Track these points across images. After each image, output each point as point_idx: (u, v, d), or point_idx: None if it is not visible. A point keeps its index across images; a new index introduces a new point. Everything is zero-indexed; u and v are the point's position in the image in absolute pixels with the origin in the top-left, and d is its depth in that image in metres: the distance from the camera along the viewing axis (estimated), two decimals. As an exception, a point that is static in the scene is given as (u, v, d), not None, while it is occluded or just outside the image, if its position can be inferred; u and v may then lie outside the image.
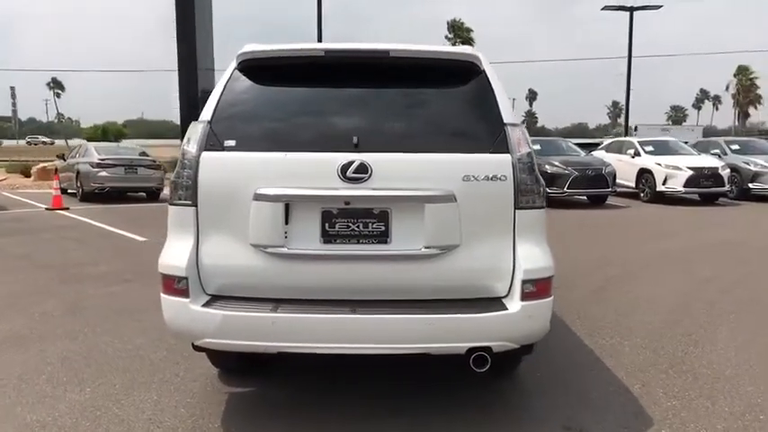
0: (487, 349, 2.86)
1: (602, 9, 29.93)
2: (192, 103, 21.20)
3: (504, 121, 3.02)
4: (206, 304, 2.90)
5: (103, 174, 15.56)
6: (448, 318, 2.82)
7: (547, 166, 14.18)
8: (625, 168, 16.26)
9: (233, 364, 3.79)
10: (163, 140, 64.18)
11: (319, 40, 22.64)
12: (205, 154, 2.96)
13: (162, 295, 2.98)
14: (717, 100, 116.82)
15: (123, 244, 9.37)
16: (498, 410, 3.43)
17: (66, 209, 13.65)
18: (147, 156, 17.37)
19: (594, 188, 14.97)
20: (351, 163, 2.86)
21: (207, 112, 3.07)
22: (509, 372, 3.81)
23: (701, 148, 18.10)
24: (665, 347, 4.44)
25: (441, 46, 3.68)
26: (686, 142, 19.06)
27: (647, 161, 16.18)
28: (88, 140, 31.48)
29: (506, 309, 2.88)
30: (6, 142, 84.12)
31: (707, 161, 15.94)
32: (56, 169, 18.12)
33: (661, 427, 3.20)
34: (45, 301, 5.68)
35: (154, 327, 4.68)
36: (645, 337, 4.66)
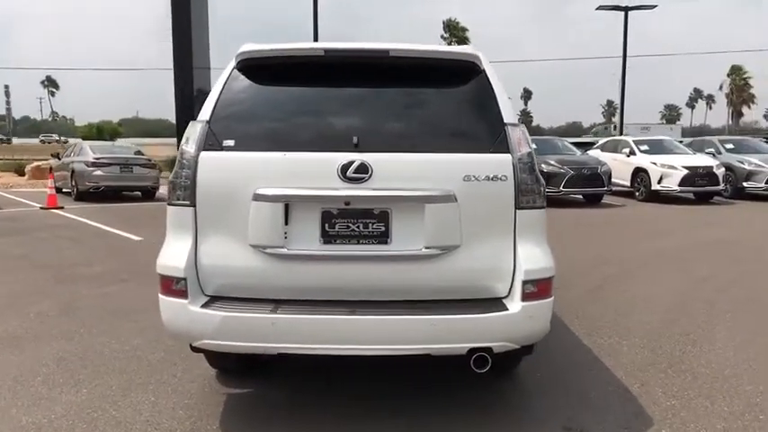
0: (488, 350, 2.85)
1: (597, 9, 29.93)
2: (187, 102, 21.16)
3: (505, 120, 3.00)
4: (205, 305, 2.88)
5: (99, 173, 15.49)
6: (448, 318, 2.81)
7: (543, 165, 14.18)
8: (620, 167, 16.29)
9: (231, 365, 3.77)
10: (158, 139, 63.94)
11: (315, 39, 22.60)
12: (204, 154, 2.94)
13: (160, 296, 2.95)
14: (710, 99, 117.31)
15: (119, 243, 9.33)
16: (498, 411, 3.42)
17: (61, 208, 13.59)
18: (143, 155, 17.31)
19: (590, 187, 14.98)
20: (351, 163, 2.85)
21: (205, 112, 3.04)
22: (509, 372, 3.80)
23: (696, 147, 18.15)
24: (664, 347, 4.44)
25: (441, 46, 3.66)
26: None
27: (642, 160, 16.20)
28: (83, 139, 31.37)
29: (507, 309, 2.87)
30: (15, 140, 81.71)
31: (702, 160, 15.97)
32: (50, 168, 18.04)
33: (661, 427, 3.20)
34: (40, 302, 5.64)
35: (151, 327, 4.65)
36: (643, 337, 4.66)
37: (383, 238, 2.92)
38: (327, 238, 2.92)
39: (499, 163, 2.93)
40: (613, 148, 17.75)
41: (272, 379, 3.83)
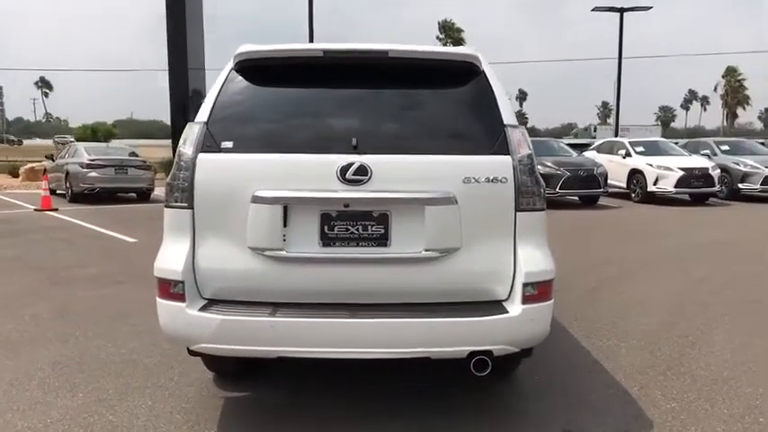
0: (488, 353, 2.84)
1: (593, 10, 30.03)
2: (182, 103, 21.10)
3: (505, 122, 2.99)
4: (203, 309, 2.85)
5: (93, 174, 15.42)
6: (449, 321, 2.79)
7: (539, 167, 14.13)
8: (616, 169, 16.32)
9: (229, 369, 3.74)
10: (153, 140, 63.79)
11: (311, 40, 22.57)
12: (202, 155, 2.91)
13: (157, 299, 2.92)
14: (705, 101, 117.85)
15: (114, 245, 9.28)
16: (497, 414, 3.40)
17: (56, 210, 13.52)
18: (137, 156, 17.24)
19: (586, 189, 15.01)
20: (350, 165, 2.82)
21: (203, 113, 3.02)
22: (507, 375, 3.79)
23: (692, 148, 18.20)
24: (662, 349, 4.43)
25: (440, 46, 3.65)
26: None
27: (638, 162, 16.24)
28: (77, 140, 31.23)
29: (507, 312, 2.85)
30: (27, 142, 79.20)
31: (697, 162, 16.03)
32: (44, 170, 17.96)
33: (661, 430, 3.19)
34: (35, 304, 5.60)
35: (147, 330, 4.62)
36: (641, 339, 4.66)
37: (383, 240, 2.90)
38: (326, 240, 2.89)
39: (499, 165, 2.91)
40: (609, 149, 17.79)
41: (270, 382, 3.80)
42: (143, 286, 5.97)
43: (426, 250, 2.87)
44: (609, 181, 15.54)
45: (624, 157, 16.68)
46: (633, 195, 16.17)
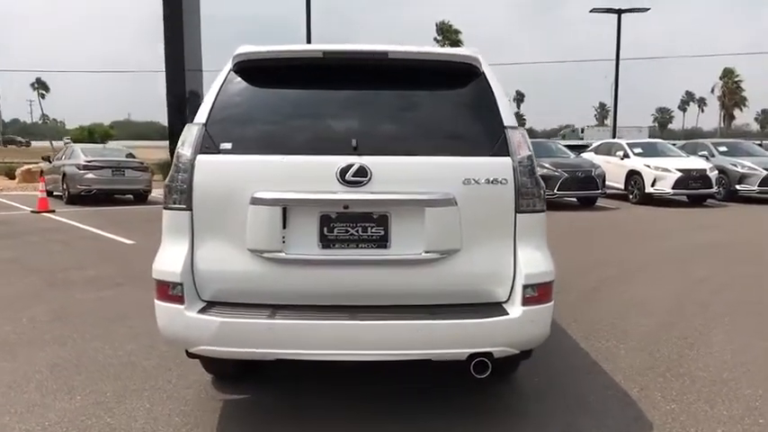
0: (488, 355, 2.83)
1: (591, 11, 30.08)
2: (179, 104, 21.09)
3: (505, 123, 2.98)
4: (201, 311, 2.84)
5: (90, 176, 15.35)
6: (449, 323, 2.78)
7: (537, 168, 14.19)
8: (614, 170, 16.34)
9: (228, 371, 3.73)
10: (150, 142, 63.68)
11: (308, 41, 22.57)
12: (200, 157, 2.90)
13: (156, 301, 2.91)
14: (702, 102, 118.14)
15: (111, 247, 9.25)
16: (497, 416, 3.39)
17: (53, 211, 13.48)
18: (134, 157, 17.20)
19: (584, 190, 15.03)
20: (350, 166, 2.81)
21: (202, 115, 3.00)
22: (507, 376, 3.78)
23: (689, 149, 18.23)
24: (662, 350, 4.43)
25: (440, 47, 3.65)
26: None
27: (635, 163, 16.27)
28: (74, 142, 31.15)
29: (507, 314, 2.84)
30: (36, 143, 77.44)
31: (695, 163, 16.05)
32: (41, 171, 17.92)
33: (661, 432, 3.19)
34: (32, 306, 5.57)
35: (145, 333, 4.60)
36: (640, 340, 4.65)
37: (382, 242, 2.89)
38: (326, 242, 2.88)
39: (499, 166, 2.91)
40: (607, 150, 17.81)
41: (268, 384, 3.79)
42: (141, 288, 5.96)
43: (426, 252, 2.86)
44: (607, 182, 15.56)
45: (622, 159, 16.71)
46: (631, 197, 16.20)
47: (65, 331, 4.82)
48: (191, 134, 2.95)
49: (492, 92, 3.07)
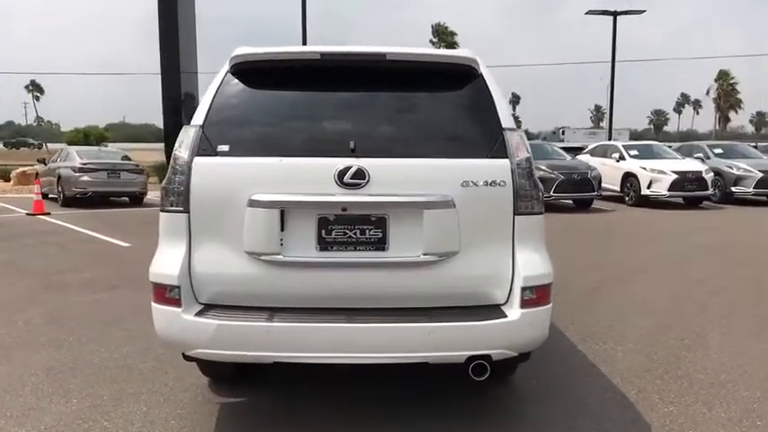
0: (487, 357, 2.82)
1: (586, 13, 30.18)
2: (174, 106, 21.05)
3: (503, 125, 2.98)
4: (199, 313, 2.82)
5: (86, 178, 15.28)
6: (447, 326, 2.77)
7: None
8: (610, 172, 16.36)
9: (225, 374, 3.71)
10: (145, 144, 63.54)
11: (304, 42, 22.57)
12: (198, 159, 2.88)
13: (153, 304, 2.89)
14: (697, 104, 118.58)
15: (107, 250, 9.21)
16: (496, 418, 3.38)
17: (48, 214, 13.41)
18: (130, 160, 17.14)
19: (580, 192, 15.04)
20: (348, 168, 2.80)
21: (199, 117, 2.99)
22: (505, 379, 3.77)
23: (685, 151, 18.28)
24: (659, 352, 4.43)
25: (438, 49, 3.64)
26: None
27: (631, 165, 16.29)
28: (68, 144, 31.05)
29: (506, 316, 2.83)
30: (52, 146, 76.98)
31: (691, 165, 16.09)
32: (36, 174, 17.83)
33: (660, 434, 3.18)
34: (28, 309, 5.54)
35: (141, 335, 4.58)
36: (638, 342, 4.65)
37: (380, 244, 2.88)
38: (324, 244, 2.87)
39: (498, 168, 2.90)
40: (603, 152, 17.83)
41: (265, 387, 3.77)
42: (137, 291, 5.94)
43: (425, 254, 2.85)
44: (603, 184, 15.58)
45: (618, 161, 16.72)
46: (627, 199, 16.22)
47: (60, 334, 4.79)
48: (188, 136, 2.94)
49: (490, 93, 3.06)
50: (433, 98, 3.18)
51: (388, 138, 3.04)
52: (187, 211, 2.88)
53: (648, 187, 15.60)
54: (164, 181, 2.96)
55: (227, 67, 3.14)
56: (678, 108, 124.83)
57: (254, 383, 3.79)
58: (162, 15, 20.67)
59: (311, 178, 2.84)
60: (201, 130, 2.94)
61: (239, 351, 2.79)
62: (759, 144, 28.94)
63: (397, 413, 3.41)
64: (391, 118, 3.12)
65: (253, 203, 2.81)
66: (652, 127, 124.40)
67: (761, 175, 16.11)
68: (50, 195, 16.39)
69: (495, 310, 2.88)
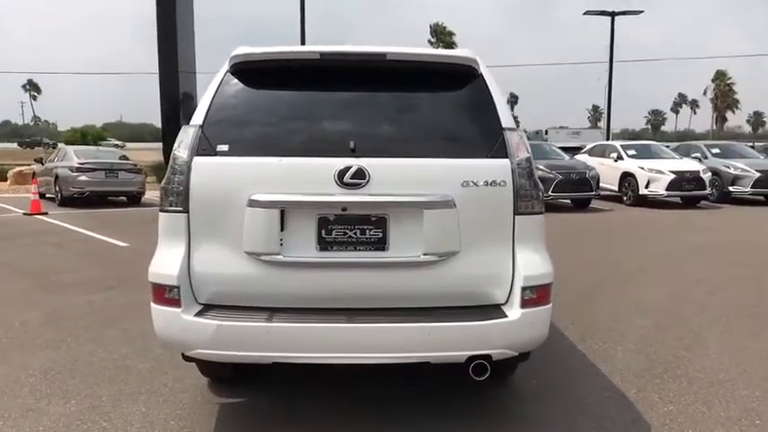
0: (487, 357, 2.81)
1: (584, 14, 30.25)
2: (173, 106, 21.04)
3: (503, 125, 2.97)
4: (198, 314, 2.81)
5: (83, 178, 15.24)
6: (447, 326, 2.77)
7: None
8: (608, 172, 16.39)
9: (224, 374, 3.70)
10: (143, 143, 63.40)
11: (302, 42, 22.56)
12: (197, 159, 2.87)
13: (152, 305, 2.88)
14: (695, 104, 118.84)
15: (104, 249, 9.19)
16: (496, 418, 3.38)
17: (45, 214, 13.38)
18: (128, 159, 17.11)
19: (578, 192, 15.06)
20: (348, 168, 2.80)
21: (198, 116, 2.98)
22: (504, 379, 3.77)
23: (683, 151, 18.31)
24: (658, 352, 4.43)
25: (438, 49, 3.64)
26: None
27: (629, 165, 16.32)
28: (66, 144, 30.97)
29: (506, 316, 2.83)
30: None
31: (688, 165, 16.13)
32: (33, 173, 17.79)
33: (660, 434, 3.18)
34: (25, 310, 5.52)
35: (139, 335, 4.57)
36: (637, 342, 4.66)
37: (381, 244, 2.87)
38: (324, 244, 2.86)
39: (498, 168, 2.89)
40: (601, 152, 17.86)
41: (265, 387, 3.76)
42: (134, 291, 5.94)
43: (425, 254, 2.84)
44: (601, 184, 15.62)
45: (616, 161, 16.75)
46: (625, 198, 16.24)
47: (58, 335, 4.78)
48: (187, 136, 2.93)
49: (490, 93, 3.06)
50: (433, 98, 3.18)
51: (388, 138, 3.04)
52: (186, 211, 2.87)
53: (646, 187, 15.64)
54: (163, 181, 2.95)
55: (226, 66, 3.13)
56: (675, 108, 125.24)
57: (254, 384, 3.78)
58: (160, 15, 20.67)
59: (311, 178, 2.83)
60: (201, 130, 2.93)
61: (239, 351, 2.78)
62: (756, 144, 29.01)
63: (397, 413, 3.41)
64: (391, 118, 3.11)
65: (252, 203, 2.80)
66: (650, 127, 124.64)
67: (758, 174, 16.16)
68: (48, 195, 16.36)
69: (495, 310, 2.88)
